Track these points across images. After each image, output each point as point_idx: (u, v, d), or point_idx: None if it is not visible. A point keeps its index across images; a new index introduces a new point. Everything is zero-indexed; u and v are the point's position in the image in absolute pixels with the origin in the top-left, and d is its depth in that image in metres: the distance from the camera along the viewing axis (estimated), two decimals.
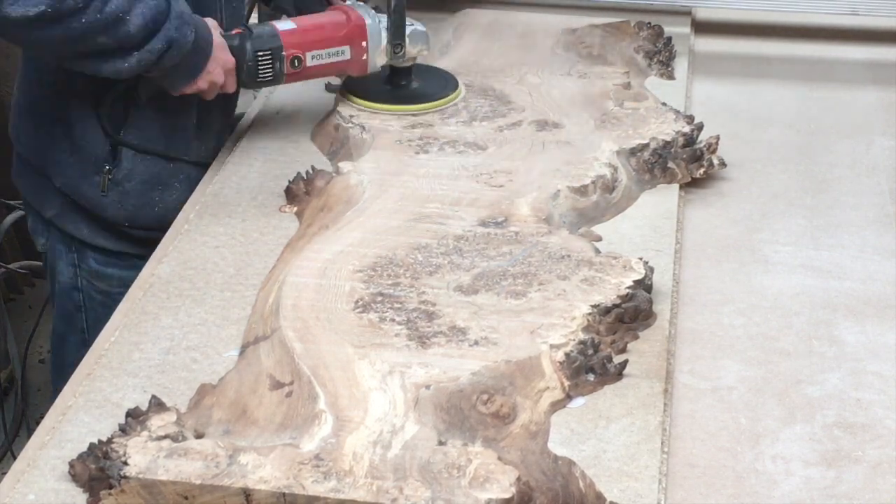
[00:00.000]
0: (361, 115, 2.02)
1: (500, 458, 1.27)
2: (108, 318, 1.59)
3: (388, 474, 1.25)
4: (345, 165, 1.87)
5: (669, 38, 2.39)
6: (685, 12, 2.56)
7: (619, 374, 1.46)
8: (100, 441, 1.30)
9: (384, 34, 1.97)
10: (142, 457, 1.26)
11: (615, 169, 1.86)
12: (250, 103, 2.21)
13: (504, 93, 2.12)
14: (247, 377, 1.42)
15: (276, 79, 1.90)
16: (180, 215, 1.82)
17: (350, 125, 1.99)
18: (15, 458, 1.40)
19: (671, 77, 2.29)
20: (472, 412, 1.35)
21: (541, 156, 1.91)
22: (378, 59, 1.98)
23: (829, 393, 1.50)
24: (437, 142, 1.95)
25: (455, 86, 2.08)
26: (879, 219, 1.89)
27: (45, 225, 2.01)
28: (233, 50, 1.86)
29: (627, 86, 2.15)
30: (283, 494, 1.22)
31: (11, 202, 2.88)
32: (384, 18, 1.98)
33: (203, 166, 1.96)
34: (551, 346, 1.45)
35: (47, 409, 1.44)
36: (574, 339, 1.46)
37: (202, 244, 1.74)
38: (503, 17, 2.49)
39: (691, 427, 1.43)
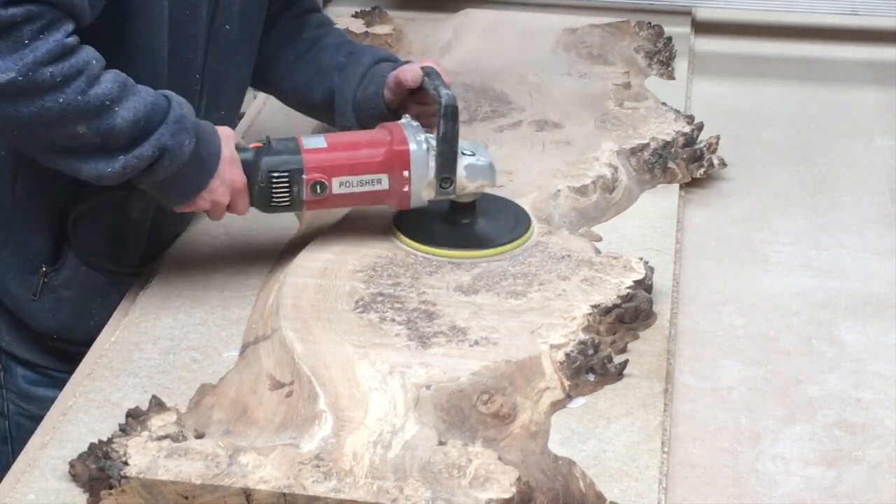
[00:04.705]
0: None
1: (500, 458, 1.27)
2: None
3: (389, 474, 1.25)
4: None
5: (669, 38, 2.39)
6: (685, 12, 2.57)
7: (619, 374, 1.46)
8: (100, 441, 1.30)
9: (432, 164, 1.60)
10: (142, 457, 1.26)
11: (615, 169, 1.86)
12: (250, 102, 2.21)
13: (504, 93, 2.12)
14: (247, 377, 1.42)
15: (294, 205, 1.58)
16: None
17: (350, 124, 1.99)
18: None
19: (671, 77, 2.29)
20: (473, 412, 1.35)
21: (541, 156, 1.91)
22: (424, 192, 1.61)
23: (829, 393, 1.50)
24: None
25: (527, 225, 1.69)
26: (879, 219, 1.89)
27: None
28: (245, 166, 1.57)
29: (627, 86, 2.16)
30: (284, 494, 1.22)
31: None
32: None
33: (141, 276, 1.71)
34: (551, 346, 1.45)
35: None
36: (574, 339, 1.46)
37: (202, 244, 1.74)
38: (503, 17, 2.49)
39: (691, 427, 1.43)
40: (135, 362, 1.49)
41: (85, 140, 1.42)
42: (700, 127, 2.00)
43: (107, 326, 1.57)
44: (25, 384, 1.74)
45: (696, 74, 2.36)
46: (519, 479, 1.24)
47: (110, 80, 1.43)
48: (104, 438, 1.31)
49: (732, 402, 1.48)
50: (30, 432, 1.53)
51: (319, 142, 1.60)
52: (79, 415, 1.40)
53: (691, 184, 1.93)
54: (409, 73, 1.72)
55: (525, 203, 1.76)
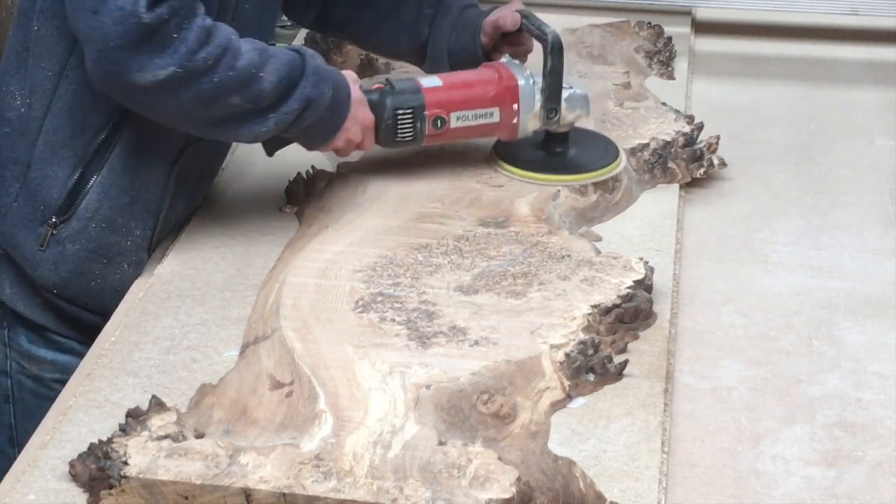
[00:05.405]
0: None
1: (500, 458, 1.27)
2: (40, 413, 1.43)
3: (389, 474, 1.25)
4: (345, 165, 1.87)
5: (669, 38, 2.39)
6: (685, 12, 2.56)
7: (619, 374, 1.46)
8: (100, 441, 1.30)
9: (538, 97, 1.79)
10: (142, 457, 1.26)
11: None
12: None
13: None
14: (247, 377, 1.42)
15: (416, 139, 1.77)
16: None
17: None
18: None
19: (671, 77, 2.29)
20: (473, 412, 1.35)
21: None
22: (530, 123, 1.80)
23: (829, 393, 1.50)
24: None
25: (615, 154, 1.87)
26: (879, 219, 1.89)
27: None
28: (372, 106, 1.73)
29: (627, 86, 2.16)
30: (284, 494, 1.22)
31: None
32: (539, 79, 1.80)
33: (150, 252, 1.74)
34: (551, 346, 1.45)
35: None
36: (574, 339, 1.46)
37: (202, 244, 1.74)
38: None
39: (691, 427, 1.43)
40: (135, 362, 1.49)
41: (239, 108, 1.56)
42: (700, 127, 2.00)
43: (107, 326, 1.57)
44: (27, 343, 1.74)
45: (696, 74, 2.36)
46: (519, 479, 1.24)
47: (249, 49, 1.56)
48: (104, 438, 1.31)
49: (732, 402, 1.48)
50: (31, 392, 1.71)
51: (435, 81, 1.79)
52: (79, 415, 1.40)
53: (691, 184, 1.93)
54: (509, 19, 1.87)
55: (524, 203, 1.76)
